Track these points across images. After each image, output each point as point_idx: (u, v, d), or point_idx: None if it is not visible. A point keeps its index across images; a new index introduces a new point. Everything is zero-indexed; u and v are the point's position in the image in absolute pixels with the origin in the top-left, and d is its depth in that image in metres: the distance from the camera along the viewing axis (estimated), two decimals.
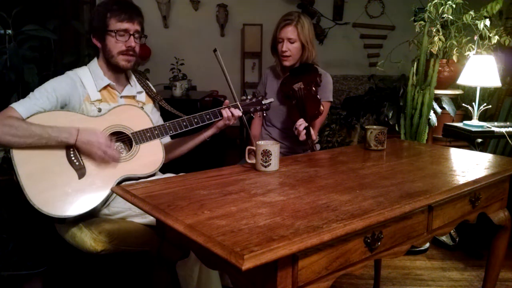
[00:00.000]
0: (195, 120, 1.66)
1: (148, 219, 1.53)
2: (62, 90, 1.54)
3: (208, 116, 1.68)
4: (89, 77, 1.62)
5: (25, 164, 1.42)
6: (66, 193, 1.44)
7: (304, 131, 1.86)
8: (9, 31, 2.28)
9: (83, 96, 1.58)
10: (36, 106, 1.48)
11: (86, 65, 1.69)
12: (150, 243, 1.49)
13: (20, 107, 1.46)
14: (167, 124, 1.64)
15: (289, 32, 2.03)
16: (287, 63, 2.09)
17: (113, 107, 1.60)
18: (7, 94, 2.21)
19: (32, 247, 1.95)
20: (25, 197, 1.39)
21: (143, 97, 1.77)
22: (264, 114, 1.84)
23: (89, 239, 1.45)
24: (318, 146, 1.88)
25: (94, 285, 1.76)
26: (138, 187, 1.18)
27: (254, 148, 1.37)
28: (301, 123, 1.88)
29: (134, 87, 1.74)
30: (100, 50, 1.64)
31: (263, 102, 1.79)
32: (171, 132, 1.64)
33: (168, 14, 5.05)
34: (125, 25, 1.58)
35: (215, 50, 1.79)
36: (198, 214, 0.97)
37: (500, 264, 1.58)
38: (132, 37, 1.60)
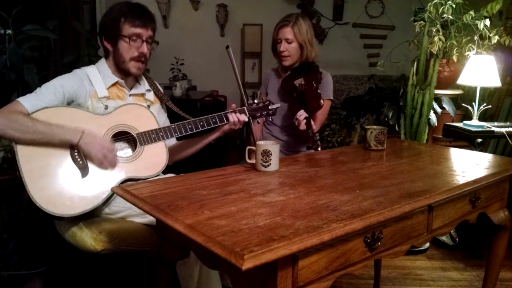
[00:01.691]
0: (201, 123, 1.66)
1: (148, 218, 1.53)
2: (69, 87, 1.54)
3: (214, 120, 1.68)
4: (97, 75, 1.62)
5: (29, 161, 1.42)
6: (68, 192, 1.44)
7: (305, 120, 1.87)
8: (9, 31, 2.28)
9: (90, 93, 1.58)
10: (42, 101, 1.48)
11: (87, 64, 1.69)
12: (150, 243, 1.49)
13: (26, 102, 1.46)
14: (173, 126, 1.64)
15: (286, 33, 2.08)
16: (286, 62, 2.13)
17: (119, 106, 1.60)
18: (7, 94, 2.21)
19: (32, 247, 1.95)
20: (27, 194, 1.40)
21: (151, 96, 1.77)
22: (270, 119, 1.84)
23: (89, 238, 1.45)
24: (318, 136, 1.89)
25: (94, 285, 1.76)
26: (138, 187, 1.18)
27: (254, 148, 1.38)
28: (302, 113, 1.90)
29: (143, 85, 1.74)
30: (111, 53, 1.64)
31: (269, 108, 1.79)
32: (176, 134, 1.64)
33: (168, 14, 5.05)
34: (139, 30, 1.58)
35: (227, 47, 1.80)
36: (198, 214, 0.97)
37: (500, 264, 1.58)
38: (145, 43, 1.60)
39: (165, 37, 5.08)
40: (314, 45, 2.15)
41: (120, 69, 1.64)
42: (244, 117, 1.71)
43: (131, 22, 1.57)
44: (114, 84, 1.64)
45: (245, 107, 1.75)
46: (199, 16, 5.09)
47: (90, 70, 1.62)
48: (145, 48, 1.60)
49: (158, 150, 1.61)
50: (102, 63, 1.66)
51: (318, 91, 2.03)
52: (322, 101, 2.01)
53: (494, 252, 1.58)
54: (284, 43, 2.09)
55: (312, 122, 1.91)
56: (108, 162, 1.50)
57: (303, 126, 1.87)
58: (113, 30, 1.58)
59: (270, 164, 1.34)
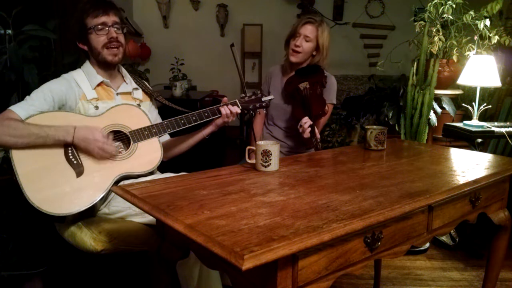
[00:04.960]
0: (194, 118, 1.66)
1: (148, 218, 1.54)
2: (58, 90, 1.56)
3: (206, 114, 1.68)
4: (83, 77, 1.64)
5: (24, 164, 1.42)
6: (64, 192, 1.44)
7: (309, 128, 1.86)
8: (9, 31, 2.28)
9: (79, 96, 1.60)
10: (34, 107, 1.49)
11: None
12: (150, 242, 1.50)
13: (18, 109, 1.47)
14: (165, 122, 1.65)
15: (309, 30, 2.06)
16: (294, 58, 2.09)
17: (111, 107, 1.61)
18: (7, 94, 2.21)
19: (32, 247, 1.95)
20: (24, 196, 1.40)
21: (139, 94, 1.77)
22: (264, 111, 1.84)
23: (89, 238, 1.45)
24: (320, 144, 1.89)
25: (94, 285, 1.76)
26: (138, 187, 1.18)
27: (254, 148, 1.38)
28: (306, 121, 1.88)
29: (129, 84, 1.75)
30: (89, 53, 1.66)
31: (262, 99, 1.79)
32: (169, 130, 1.64)
33: (168, 14, 5.05)
34: (102, 19, 1.59)
35: (232, 45, 1.80)
36: (198, 214, 0.97)
37: (500, 264, 1.58)
38: (111, 28, 1.61)
39: (165, 37, 5.09)
40: (328, 54, 2.13)
41: (102, 65, 1.65)
42: (236, 109, 1.72)
43: (92, 14, 1.59)
44: (100, 85, 1.65)
45: (236, 100, 1.75)
46: (199, 16, 5.09)
47: (77, 74, 1.65)
48: (113, 33, 1.61)
49: (152, 147, 1.61)
50: (87, 65, 1.68)
51: (323, 96, 2.02)
52: (326, 107, 2.00)
53: (494, 252, 1.58)
54: (302, 39, 2.06)
55: (316, 130, 1.90)
56: (106, 153, 1.50)
57: (307, 134, 1.86)
58: (80, 30, 1.61)
59: (270, 164, 1.34)
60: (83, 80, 1.63)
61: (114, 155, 1.53)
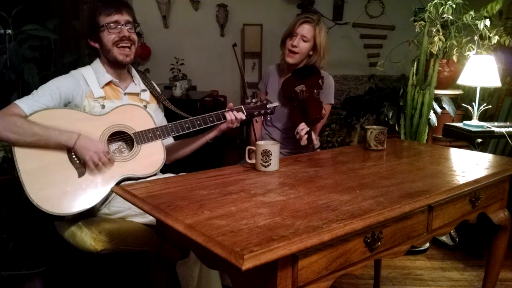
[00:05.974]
0: (198, 122, 1.66)
1: (148, 218, 1.54)
2: (65, 87, 1.55)
3: (211, 119, 1.68)
4: (92, 75, 1.63)
5: (26, 161, 1.42)
6: (65, 191, 1.44)
7: (306, 135, 1.84)
8: (9, 31, 2.28)
9: (86, 93, 1.59)
10: (39, 103, 1.48)
11: (87, 64, 1.70)
12: (150, 243, 1.49)
13: (23, 104, 1.47)
14: (170, 125, 1.64)
15: (306, 30, 2.02)
16: (291, 60, 2.06)
17: (116, 106, 1.60)
18: (7, 94, 2.21)
19: (32, 247, 1.95)
20: (25, 194, 1.40)
21: (147, 95, 1.77)
22: (268, 118, 1.83)
23: (89, 238, 1.45)
24: (319, 150, 1.88)
25: (94, 285, 1.76)
26: (138, 187, 1.18)
27: (254, 148, 1.38)
28: (303, 128, 1.86)
29: (138, 85, 1.75)
30: (99, 51, 1.65)
31: (267, 106, 1.78)
32: (173, 133, 1.64)
33: (168, 14, 5.05)
34: (115, 17, 1.59)
35: (234, 45, 1.80)
36: (198, 214, 0.97)
37: (500, 264, 1.58)
38: (124, 27, 1.61)
39: (165, 37, 5.08)
40: (326, 54, 2.09)
41: (112, 64, 1.65)
42: (241, 115, 1.71)
43: (105, 12, 1.59)
44: (108, 84, 1.65)
45: (242, 106, 1.75)
46: (199, 16, 5.09)
47: (86, 71, 1.64)
48: (125, 32, 1.61)
49: (155, 149, 1.61)
50: (97, 63, 1.67)
51: (320, 99, 2.00)
52: (323, 111, 1.98)
53: (494, 252, 1.58)
54: (299, 40, 2.02)
55: (314, 136, 1.88)
56: (102, 164, 1.49)
57: (304, 142, 1.84)
58: (93, 27, 1.61)
59: (270, 164, 1.34)
60: (91, 77, 1.62)
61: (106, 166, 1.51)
